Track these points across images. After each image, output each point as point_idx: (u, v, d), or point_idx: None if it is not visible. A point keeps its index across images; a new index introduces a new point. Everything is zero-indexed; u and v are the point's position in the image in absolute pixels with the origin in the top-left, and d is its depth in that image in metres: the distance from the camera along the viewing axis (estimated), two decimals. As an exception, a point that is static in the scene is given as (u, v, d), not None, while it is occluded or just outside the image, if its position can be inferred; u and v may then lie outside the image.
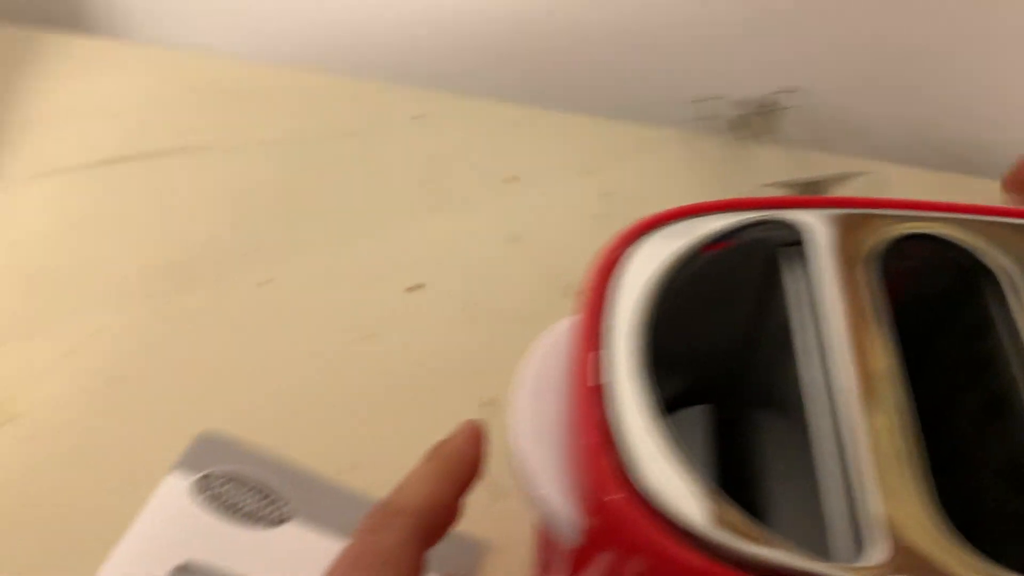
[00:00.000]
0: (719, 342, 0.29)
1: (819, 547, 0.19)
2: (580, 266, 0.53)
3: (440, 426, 0.44)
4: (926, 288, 0.26)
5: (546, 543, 0.28)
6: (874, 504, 0.19)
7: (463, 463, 0.26)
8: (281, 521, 0.41)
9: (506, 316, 0.50)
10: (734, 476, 0.28)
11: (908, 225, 0.25)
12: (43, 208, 0.54)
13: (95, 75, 0.64)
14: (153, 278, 0.51)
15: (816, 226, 0.24)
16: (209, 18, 0.71)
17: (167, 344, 0.47)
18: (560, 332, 0.26)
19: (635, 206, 0.58)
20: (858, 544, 0.19)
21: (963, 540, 0.19)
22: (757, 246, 0.25)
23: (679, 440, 0.20)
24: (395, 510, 0.24)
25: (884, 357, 0.21)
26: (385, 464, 0.43)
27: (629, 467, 0.20)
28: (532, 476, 0.23)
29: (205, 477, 0.42)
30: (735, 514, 0.19)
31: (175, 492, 0.41)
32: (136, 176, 0.57)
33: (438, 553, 0.40)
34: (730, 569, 0.18)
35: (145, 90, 0.63)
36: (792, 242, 0.25)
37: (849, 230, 0.24)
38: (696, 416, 0.31)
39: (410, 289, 0.51)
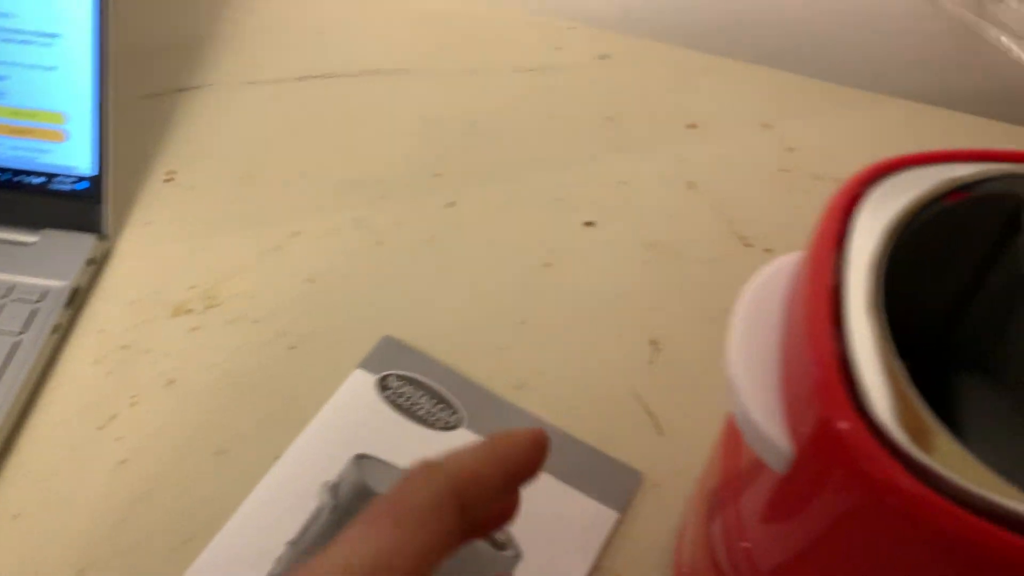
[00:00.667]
0: (935, 298, 0.28)
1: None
2: (757, 216, 0.53)
3: (607, 358, 0.45)
4: None
5: (738, 475, 0.28)
6: None
7: (517, 456, 0.26)
8: (452, 427, 0.43)
9: (680, 258, 0.51)
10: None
11: None
12: (252, 115, 0.58)
13: (300, -8, 0.67)
14: (349, 190, 0.54)
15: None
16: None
17: (359, 252, 0.50)
18: (778, 268, 0.26)
19: (818, 163, 0.56)
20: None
21: None
22: (999, 200, 0.25)
23: (911, 380, 0.20)
24: (433, 469, 0.24)
25: None
26: (550, 386, 0.45)
27: (862, 399, 0.20)
28: (746, 403, 0.23)
29: (386, 377, 0.45)
30: (970, 459, 0.19)
31: (359, 386, 0.44)
32: (336, 93, 0.60)
33: (599, 477, 0.41)
34: (969, 513, 0.18)
35: (347, 13, 0.66)
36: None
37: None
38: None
39: (587, 224, 0.52)
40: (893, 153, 0.25)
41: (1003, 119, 0.60)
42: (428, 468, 0.24)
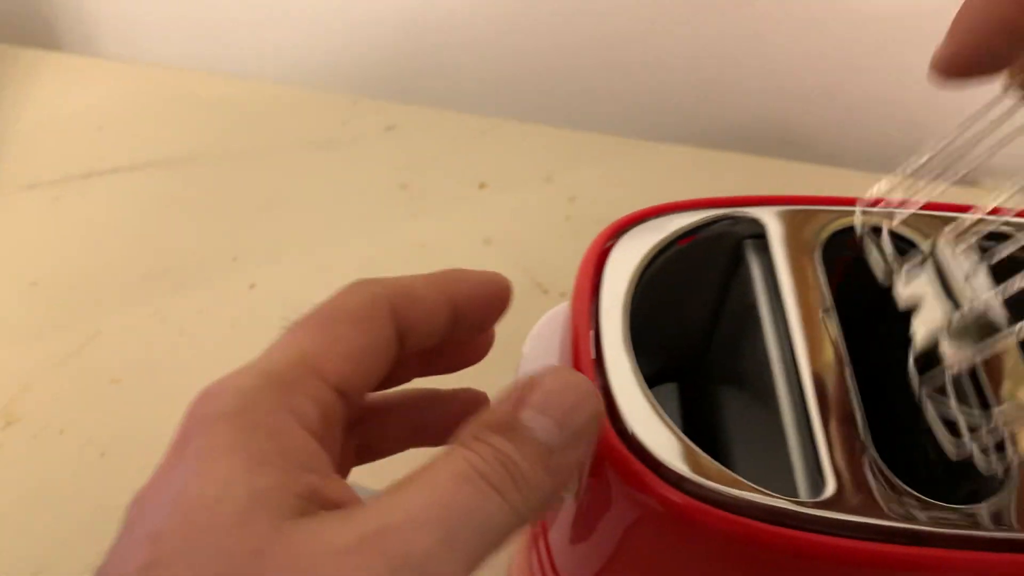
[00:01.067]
0: (687, 325, 0.32)
1: (785, 492, 0.23)
2: (550, 264, 0.57)
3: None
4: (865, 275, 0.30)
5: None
6: (825, 452, 0.23)
7: (464, 289, 0.24)
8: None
9: (483, 313, 0.54)
10: (701, 441, 0.32)
11: (844, 220, 0.29)
12: (35, 219, 0.56)
13: (75, 90, 0.66)
14: (146, 284, 0.53)
15: (771, 221, 0.28)
16: (182, 34, 0.73)
17: (163, 345, 0.50)
18: (554, 316, 0.29)
19: (599, 209, 0.62)
20: (815, 488, 0.23)
21: (894, 478, 0.23)
22: (723, 239, 0.29)
23: (660, 406, 0.24)
24: (365, 280, 0.23)
25: (830, 333, 0.25)
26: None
27: (625, 428, 0.23)
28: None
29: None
30: (711, 464, 0.23)
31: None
32: (123, 187, 0.59)
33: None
34: (713, 508, 0.22)
35: (125, 104, 0.65)
36: (754, 235, 0.29)
37: (798, 225, 0.28)
38: (665, 393, 0.35)
39: (392, 289, 0.54)
40: (664, 195, 0.29)
41: (767, 154, 0.67)
42: (361, 281, 0.23)
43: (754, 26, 0.65)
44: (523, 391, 0.20)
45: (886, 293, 0.29)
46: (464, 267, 0.58)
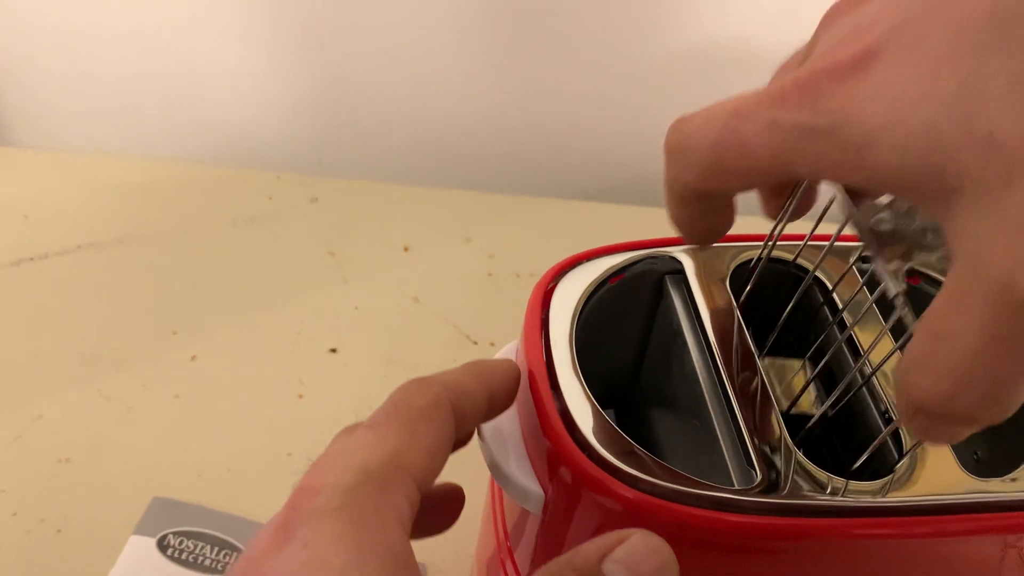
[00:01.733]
0: (620, 354, 0.36)
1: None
2: (477, 317, 0.60)
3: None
4: (770, 296, 0.35)
5: (506, 534, 0.34)
6: (752, 447, 0.27)
7: (496, 379, 0.26)
8: (240, 569, 0.45)
9: (419, 367, 0.57)
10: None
11: (747, 254, 0.33)
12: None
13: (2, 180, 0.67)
14: (88, 364, 0.54)
15: (686, 258, 0.33)
16: (99, 120, 0.75)
17: (110, 421, 0.51)
18: (504, 353, 0.33)
19: (516, 264, 0.66)
20: (747, 478, 0.27)
21: (808, 463, 0.27)
22: (648, 276, 0.33)
23: (609, 419, 0.28)
24: (425, 379, 0.24)
25: (743, 346, 0.30)
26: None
27: (585, 441, 0.27)
28: (500, 464, 0.29)
29: (164, 536, 0.45)
30: (660, 466, 0.26)
31: (140, 552, 0.44)
32: (55, 271, 0.60)
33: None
34: (666, 502, 0.25)
35: (49, 192, 0.66)
36: (673, 271, 0.33)
37: (708, 260, 0.33)
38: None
39: (331, 351, 0.57)
40: (573, 246, 0.33)
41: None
42: (420, 380, 0.24)
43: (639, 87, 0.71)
44: (609, 542, 0.22)
45: (784, 308, 0.34)
46: (398, 325, 0.61)
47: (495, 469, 0.30)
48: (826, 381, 0.32)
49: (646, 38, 0.68)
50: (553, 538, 0.30)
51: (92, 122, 0.74)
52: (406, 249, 0.66)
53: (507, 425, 0.30)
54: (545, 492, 0.28)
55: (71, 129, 0.75)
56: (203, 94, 0.73)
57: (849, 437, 0.30)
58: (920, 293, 0.33)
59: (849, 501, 0.26)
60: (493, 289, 0.64)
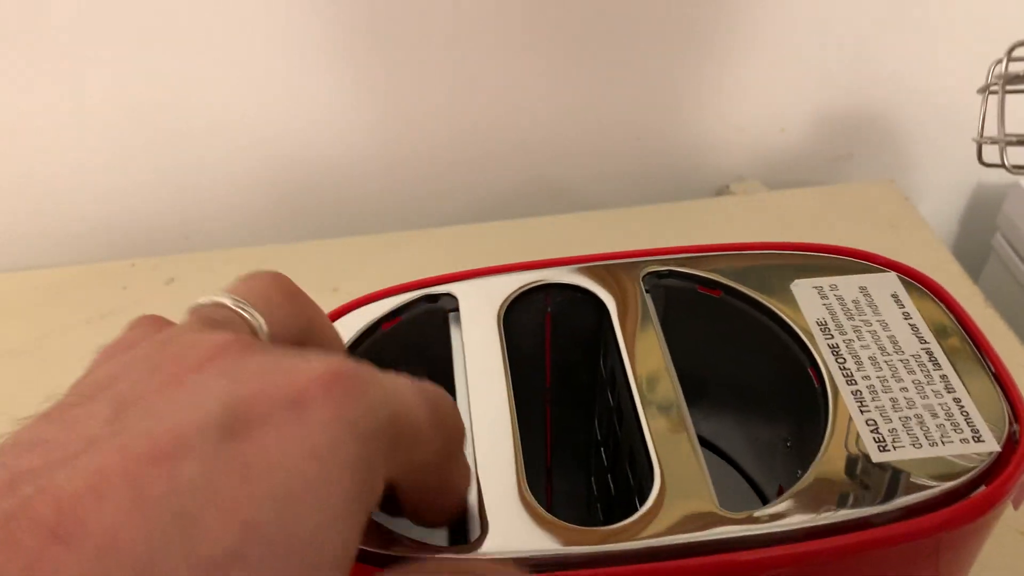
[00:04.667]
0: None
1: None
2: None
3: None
4: (566, 323, 0.34)
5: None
6: (480, 498, 0.26)
7: None
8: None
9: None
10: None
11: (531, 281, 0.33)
12: None
13: None
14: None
15: (463, 293, 0.33)
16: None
17: None
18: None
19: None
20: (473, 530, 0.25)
21: (542, 510, 0.25)
22: (432, 316, 0.33)
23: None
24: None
25: (502, 389, 0.29)
26: None
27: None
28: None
29: None
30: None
31: None
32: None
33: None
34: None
35: None
36: (455, 309, 0.33)
37: (485, 295, 0.33)
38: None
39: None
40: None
41: (541, 212, 0.73)
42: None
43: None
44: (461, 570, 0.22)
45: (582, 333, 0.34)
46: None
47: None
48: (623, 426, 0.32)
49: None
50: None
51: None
52: (274, 311, 0.66)
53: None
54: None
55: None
56: (47, 194, 0.71)
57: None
58: (723, 303, 0.33)
59: (581, 548, 0.24)
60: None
